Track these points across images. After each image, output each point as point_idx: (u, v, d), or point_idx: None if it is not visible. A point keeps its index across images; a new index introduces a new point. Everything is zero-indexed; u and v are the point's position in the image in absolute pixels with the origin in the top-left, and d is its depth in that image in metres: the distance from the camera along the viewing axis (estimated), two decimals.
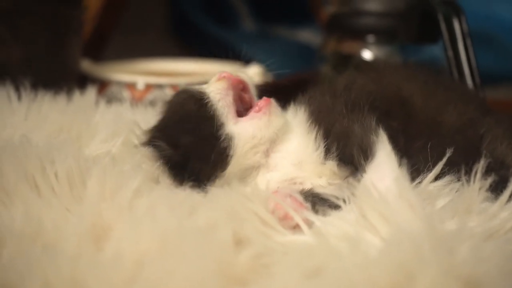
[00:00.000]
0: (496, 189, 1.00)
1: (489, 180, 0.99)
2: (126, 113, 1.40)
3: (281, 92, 1.09)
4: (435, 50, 1.65)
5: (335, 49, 1.78)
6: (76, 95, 1.45)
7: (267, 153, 1.04)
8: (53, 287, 0.80)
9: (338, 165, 1.01)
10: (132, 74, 1.77)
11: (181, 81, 1.71)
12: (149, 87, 1.71)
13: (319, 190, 1.00)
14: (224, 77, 1.05)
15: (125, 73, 1.77)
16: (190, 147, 1.04)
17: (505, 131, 1.11)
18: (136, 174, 1.01)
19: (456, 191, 1.00)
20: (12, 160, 1.02)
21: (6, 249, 0.88)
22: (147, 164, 1.11)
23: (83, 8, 1.74)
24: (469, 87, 1.41)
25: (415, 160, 1.02)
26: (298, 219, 0.92)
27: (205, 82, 1.09)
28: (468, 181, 1.00)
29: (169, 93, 1.69)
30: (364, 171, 0.97)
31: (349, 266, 0.80)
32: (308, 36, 2.65)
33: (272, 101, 1.04)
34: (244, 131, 1.03)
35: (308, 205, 0.96)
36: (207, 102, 1.04)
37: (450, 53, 1.45)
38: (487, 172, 1.00)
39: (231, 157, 1.02)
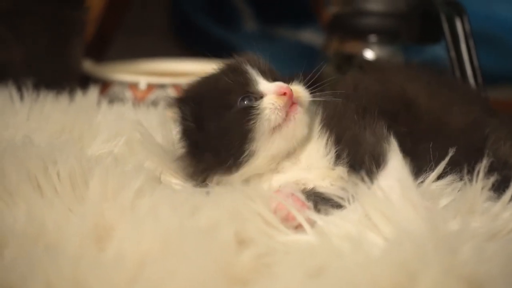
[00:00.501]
0: (499, 189, 1.00)
1: (492, 179, 0.99)
2: (128, 113, 1.40)
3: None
4: (437, 50, 1.65)
5: (338, 49, 1.78)
6: (78, 95, 1.46)
7: (279, 161, 1.03)
8: (55, 287, 0.80)
9: (348, 171, 1.00)
10: (134, 74, 1.77)
11: (183, 81, 1.71)
12: (151, 87, 1.71)
13: (321, 189, 1.00)
14: (285, 94, 1.00)
15: (127, 73, 1.78)
16: (213, 137, 1.02)
17: (509, 131, 1.11)
18: (138, 174, 1.01)
19: (459, 191, 1.00)
20: (14, 160, 1.02)
21: (8, 249, 0.88)
22: (149, 163, 1.12)
23: (85, 8, 1.74)
24: (472, 87, 1.41)
25: (421, 162, 1.02)
26: (300, 219, 0.92)
27: None
28: (470, 180, 0.99)
29: (171, 93, 1.69)
30: (375, 178, 0.96)
31: (351, 266, 0.80)
32: (310, 36, 2.65)
33: (299, 108, 1.01)
34: (271, 146, 1.01)
35: (310, 204, 0.96)
36: (254, 110, 1.00)
37: (453, 53, 1.45)
38: (489, 172, 1.00)
39: (249, 165, 1.01)
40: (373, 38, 1.74)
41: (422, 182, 1.00)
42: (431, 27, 1.56)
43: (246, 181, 1.02)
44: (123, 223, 0.91)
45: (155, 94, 1.70)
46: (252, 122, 0.99)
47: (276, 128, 1.00)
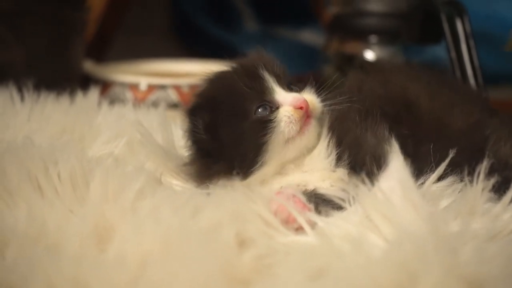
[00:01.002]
0: (499, 190, 1.00)
1: (492, 181, 0.99)
2: (129, 114, 1.40)
3: None
4: (437, 51, 1.65)
5: (338, 49, 1.79)
6: (79, 96, 1.46)
7: (285, 165, 1.03)
8: None
9: (348, 173, 1.00)
10: (134, 75, 1.77)
11: (184, 82, 1.71)
12: (151, 87, 1.71)
13: (322, 191, 1.00)
14: (302, 108, 0.99)
15: (127, 74, 1.78)
16: (227, 146, 1.01)
17: (510, 131, 1.10)
18: (139, 175, 1.01)
19: (459, 192, 1.00)
20: (15, 161, 1.02)
21: (9, 249, 0.88)
22: (150, 164, 1.12)
23: (86, 9, 1.74)
24: (473, 87, 1.41)
25: (423, 163, 1.02)
26: (301, 221, 0.92)
27: None
28: (471, 182, 0.99)
29: (171, 94, 1.69)
30: (376, 179, 0.96)
31: (352, 267, 0.80)
32: (311, 36, 2.65)
33: (312, 121, 1.01)
34: (282, 156, 1.01)
35: (312, 206, 0.96)
36: (270, 122, 0.99)
37: (453, 53, 1.45)
38: (490, 173, 0.99)
39: (258, 173, 1.01)
40: (373, 38, 1.74)
41: (422, 183, 1.00)
42: (431, 27, 1.56)
43: (248, 182, 1.02)
44: (124, 224, 0.91)
45: (155, 95, 1.70)
46: (267, 134, 0.99)
47: (290, 139, 1.00)
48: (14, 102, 1.37)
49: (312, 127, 1.01)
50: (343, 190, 0.98)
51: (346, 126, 1.03)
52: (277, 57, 1.09)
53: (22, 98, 1.38)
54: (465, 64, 1.44)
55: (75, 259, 0.84)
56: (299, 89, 1.04)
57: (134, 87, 1.71)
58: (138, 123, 1.20)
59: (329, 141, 1.02)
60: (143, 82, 1.72)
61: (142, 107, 1.50)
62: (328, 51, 1.82)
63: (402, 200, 0.91)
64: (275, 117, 0.99)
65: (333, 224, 0.92)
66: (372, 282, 0.78)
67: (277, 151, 1.00)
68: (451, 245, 0.81)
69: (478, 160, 1.02)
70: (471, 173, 1.00)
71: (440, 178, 1.01)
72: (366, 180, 0.95)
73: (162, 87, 1.71)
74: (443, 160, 1.00)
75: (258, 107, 1.00)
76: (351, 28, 1.78)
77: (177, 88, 1.70)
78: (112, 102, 1.55)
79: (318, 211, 0.96)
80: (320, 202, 0.97)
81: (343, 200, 0.97)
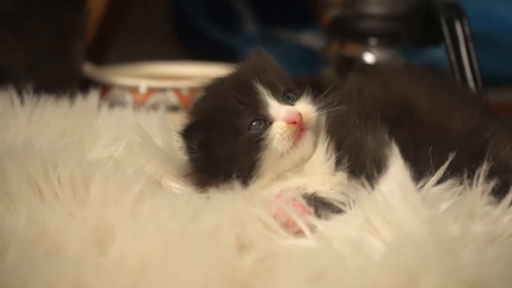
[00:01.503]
0: (499, 193, 1.00)
1: (492, 183, 0.99)
2: (129, 117, 1.40)
3: None
4: (437, 53, 1.65)
5: (338, 52, 1.79)
6: (79, 99, 1.46)
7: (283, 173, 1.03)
8: None
9: (348, 177, 1.00)
10: (134, 77, 1.77)
11: (183, 85, 1.71)
12: (151, 90, 1.71)
13: (322, 194, 1.00)
14: (295, 123, 0.99)
15: (127, 76, 1.78)
16: (222, 162, 1.02)
17: (510, 134, 1.10)
18: (139, 178, 1.01)
19: (459, 195, 1.00)
20: (15, 164, 1.02)
21: (9, 253, 0.88)
22: (149, 167, 1.12)
23: (86, 11, 1.74)
24: (472, 90, 1.41)
25: (423, 166, 1.02)
26: (301, 224, 0.92)
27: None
28: (471, 185, 0.99)
29: (171, 96, 1.69)
30: (376, 183, 0.96)
31: (352, 270, 0.80)
32: (311, 39, 2.65)
33: (307, 133, 1.01)
34: (278, 168, 1.01)
35: (311, 209, 0.96)
36: (263, 139, 0.99)
37: (452, 56, 1.45)
38: (490, 175, 0.99)
39: (255, 183, 1.01)
40: (373, 41, 1.74)
41: (422, 186, 1.00)
42: (431, 30, 1.56)
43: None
44: (124, 227, 0.91)
45: (155, 98, 1.70)
46: (260, 152, 0.99)
47: (284, 153, 1.00)
48: (14, 105, 1.37)
49: (307, 139, 1.01)
50: (343, 193, 0.98)
51: (346, 130, 1.03)
52: (276, 59, 1.09)
53: (22, 101, 1.38)
54: (465, 67, 1.44)
55: (75, 262, 0.84)
56: (296, 97, 1.03)
57: (134, 89, 1.71)
58: (138, 126, 1.20)
59: (328, 145, 1.02)
60: (143, 85, 1.72)
61: (142, 110, 1.50)
62: (328, 53, 1.82)
63: (402, 203, 0.91)
64: (267, 134, 0.99)
65: (333, 227, 0.92)
66: (372, 285, 0.78)
67: (271, 165, 1.00)
68: (451, 248, 0.81)
69: (478, 163, 1.02)
70: (471, 176, 1.00)
71: (440, 181, 1.01)
72: (366, 183, 0.95)
73: (162, 90, 1.71)
74: (443, 163, 1.00)
75: (252, 122, 1.00)
76: (351, 31, 1.78)
77: (176, 90, 1.70)
78: (112, 105, 1.55)
79: (318, 214, 0.96)
80: (320, 205, 0.97)
81: (343, 203, 0.97)
